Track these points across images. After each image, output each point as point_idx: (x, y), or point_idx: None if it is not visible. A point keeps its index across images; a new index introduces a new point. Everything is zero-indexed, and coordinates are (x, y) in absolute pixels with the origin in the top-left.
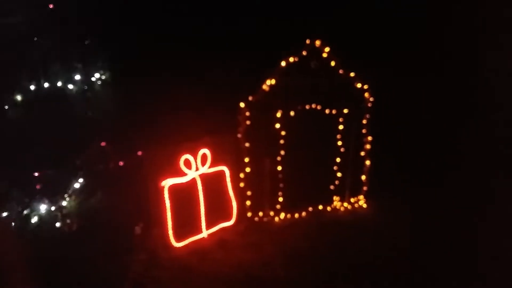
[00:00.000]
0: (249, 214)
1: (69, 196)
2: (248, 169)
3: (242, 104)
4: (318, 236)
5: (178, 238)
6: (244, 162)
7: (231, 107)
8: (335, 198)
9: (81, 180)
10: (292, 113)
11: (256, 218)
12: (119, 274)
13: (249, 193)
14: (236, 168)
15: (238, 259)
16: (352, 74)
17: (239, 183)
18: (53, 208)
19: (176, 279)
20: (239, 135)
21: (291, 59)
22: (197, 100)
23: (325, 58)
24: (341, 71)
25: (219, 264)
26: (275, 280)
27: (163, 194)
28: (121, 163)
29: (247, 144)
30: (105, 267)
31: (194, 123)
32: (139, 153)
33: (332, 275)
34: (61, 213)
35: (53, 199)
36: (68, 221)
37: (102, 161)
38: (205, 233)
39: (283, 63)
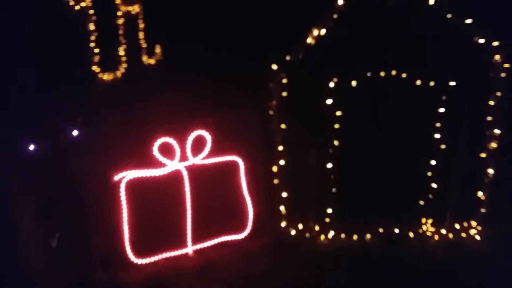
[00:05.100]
0: (283, 224)
1: None
2: (282, 162)
3: (274, 66)
4: (385, 279)
5: (142, 253)
6: (277, 151)
7: (256, 70)
8: (425, 220)
9: None
10: (354, 83)
11: (293, 231)
12: None
13: (284, 194)
14: (260, 159)
15: None
16: (468, 21)
17: (264, 181)
18: None
19: None
20: (270, 112)
21: None
22: (199, 58)
23: None
24: (448, 16)
25: None
26: None
27: (118, 192)
28: (31, 148)
29: (282, 126)
30: None
31: (190, 92)
32: (74, 132)
33: None
34: None
35: None
36: None
37: None
38: (189, 249)
39: (340, 2)
